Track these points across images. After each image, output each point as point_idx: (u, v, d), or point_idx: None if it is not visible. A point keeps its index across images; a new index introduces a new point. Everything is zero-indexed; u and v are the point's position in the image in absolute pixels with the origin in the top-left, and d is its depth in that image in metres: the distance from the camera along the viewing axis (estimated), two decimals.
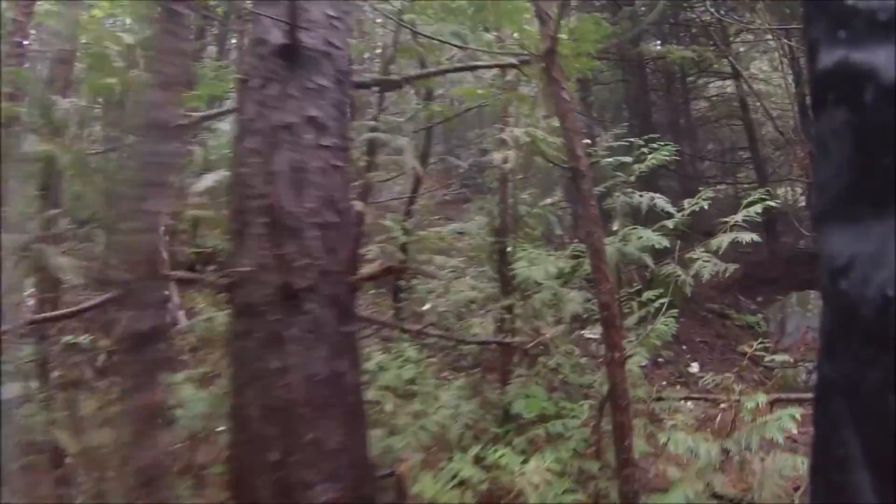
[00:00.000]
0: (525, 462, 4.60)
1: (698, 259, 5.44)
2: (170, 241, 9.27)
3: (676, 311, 7.95)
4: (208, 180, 5.91)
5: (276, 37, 3.71)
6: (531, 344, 5.94)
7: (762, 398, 5.38)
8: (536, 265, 6.98)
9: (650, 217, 6.03)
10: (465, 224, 9.90)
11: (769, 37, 15.43)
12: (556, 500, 4.46)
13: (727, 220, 5.50)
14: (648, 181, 15.64)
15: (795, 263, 15.99)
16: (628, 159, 5.84)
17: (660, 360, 12.36)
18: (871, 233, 0.66)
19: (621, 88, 17.61)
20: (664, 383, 11.70)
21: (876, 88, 0.67)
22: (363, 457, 3.48)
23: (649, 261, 5.51)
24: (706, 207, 5.48)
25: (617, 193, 5.57)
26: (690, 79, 18.56)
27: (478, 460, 4.76)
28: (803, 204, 19.83)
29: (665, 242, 5.36)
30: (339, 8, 3.98)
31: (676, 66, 14.73)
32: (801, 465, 4.97)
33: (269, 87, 3.64)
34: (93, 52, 6.04)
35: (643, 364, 12.31)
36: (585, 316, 10.09)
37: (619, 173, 5.88)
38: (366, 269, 3.69)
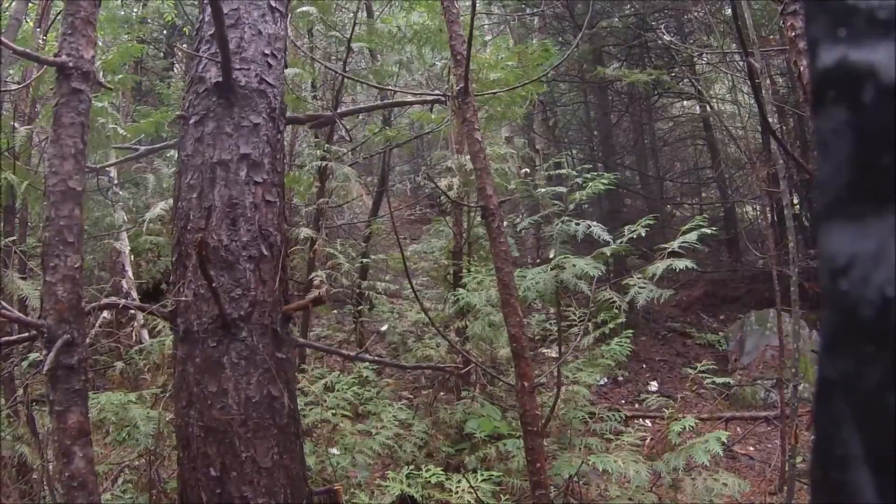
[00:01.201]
0: (462, 481, 4.89)
1: (634, 285, 5.74)
2: (135, 262, 9.56)
3: (632, 331, 8.33)
4: (157, 208, 6.20)
5: (214, 75, 4.04)
6: (464, 370, 6.22)
7: (690, 421, 5.66)
8: (482, 289, 7.30)
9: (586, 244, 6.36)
10: (424, 246, 10.25)
11: (730, 59, 15.95)
12: None
13: (665, 246, 5.84)
14: (611, 200, 16.05)
15: (758, 282, 16.41)
16: (562, 189, 6.12)
17: (619, 378, 12.71)
18: (871, 232, 0.67)
19: (583, 110, 17.93)
20: (623, 402, 12.08)
21: (876, 87, 0.68)
22: (298, 475, 3.78)
23: (586, 287, 5.79)
24: (643, 234, 5.78)
25: (556, 222, 5.84)
26: (654, 99, 18.96)
27: (418, 478, 5.04)
28: (766, 223, 20.38)
29: (601, 270, 5.61)
30: (275, 46, 4.32)
31: (640, 87, 15.11)
32: (736, 485, 5.31)
33: (206, 124, 3.96)
34: None
35: (602, 383, 12.69)
36: (544, 335, 10.48)
37: (557, 202, 6.18)
38: (294, 303, 3.98)
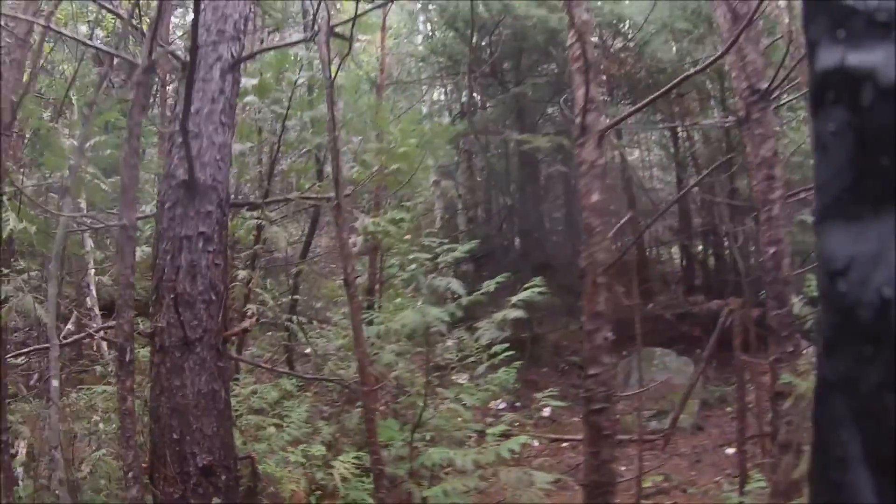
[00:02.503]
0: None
1: (480, 328, 7.99)
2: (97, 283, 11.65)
3: (519, 363, 10.49)
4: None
5: (181, 173, 6.24)
6: (348, 383, 8.34)
7: (522, 438, 7.79)
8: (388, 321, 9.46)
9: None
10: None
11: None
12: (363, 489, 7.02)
13: (510, 298, 8.04)
14: (539, 244, 18.20)
15: (662, 322, 18.65)
16: (427, 255, 8.17)
17: (517, 404, 14.95)
18: (869, 233, 0.70)
19: (502, 161, 19.76)
20: (517, 423, 14.35)
21: (875, 88, 0.71)
22: (229, 443, 5.99)
23: (443, 328, 7.87)
24: (492, 289, 7.95)
25: (423, 278, 7.91)
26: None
27: (311, 458, 7.23)
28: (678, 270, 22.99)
29: (446, 318, 7.44)
30: (224, 153, 6.54)
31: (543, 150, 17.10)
32: (540, 478, 7.44)
33: (176, 209, 6.16)
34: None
35: (501, 406, 14.98)
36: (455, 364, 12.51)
37: (427, 262, 8.27)
38: (231, 330, 6.22)
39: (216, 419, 5.84)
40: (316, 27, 6.09)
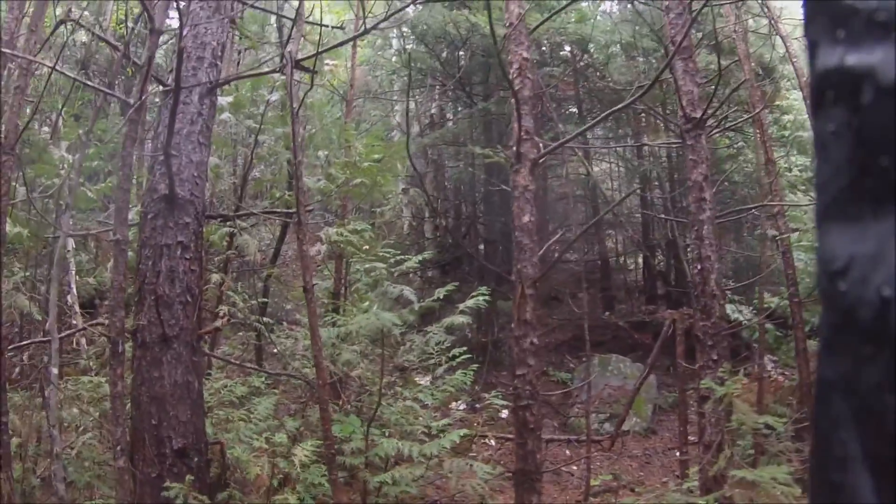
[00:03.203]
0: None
1: (430, 331, 8.87)
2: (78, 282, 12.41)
3: (476, 366, 11.31)
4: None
5: (163, 188, 7.07)
6: (306, 379, 9.17)
7: (454, 436, 8.63)
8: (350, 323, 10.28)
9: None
10: (319, 283, 13.28)
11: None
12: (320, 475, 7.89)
13: (460, 306, 8.92)
14: (502, 252, 19.00)
15: (621, 330, 19.43)
16: (383, 265, 9.04)
17: (477, 405, 15.80)
18: (869, 233, 0.70)
19: (468, 172, 20.40)
20: (478, 423, 15.23)
21: (874, 88, 0.71)
22: (201, 429, 6.84)
23: (396, 331, 8.68)
24: (441, 297, 8.81)
25: (380, 286, 8.77)
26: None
27: (274, 445, 8.07)
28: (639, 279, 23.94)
29: (397, 321, 8.22)
30: (201, 170, 7.38)
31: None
32: (481, 469, 8.29)
33: (157, 219, 6.99)
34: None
35: (462, 408, 15.83)
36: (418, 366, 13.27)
37: (384, 271, 9.12)
38: (204, 329, 7.07)
39: (190, 407, 6.68)
40: (284, 60, 6.91)
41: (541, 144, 7.67)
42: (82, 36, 13.59)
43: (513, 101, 6.99)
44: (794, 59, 14.57)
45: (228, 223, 9.53)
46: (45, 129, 12.14)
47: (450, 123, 20.40)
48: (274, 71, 8.13)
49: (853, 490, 0.70)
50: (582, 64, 19.42)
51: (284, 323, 14.25)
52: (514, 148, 6.76)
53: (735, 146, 19.01)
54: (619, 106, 8.04)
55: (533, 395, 6.60)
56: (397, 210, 19.06)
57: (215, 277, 10.03)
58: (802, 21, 0.87)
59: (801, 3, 0.87)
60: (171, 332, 6.64)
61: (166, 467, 6.46)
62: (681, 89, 9.43)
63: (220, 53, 7.77)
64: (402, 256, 8.75)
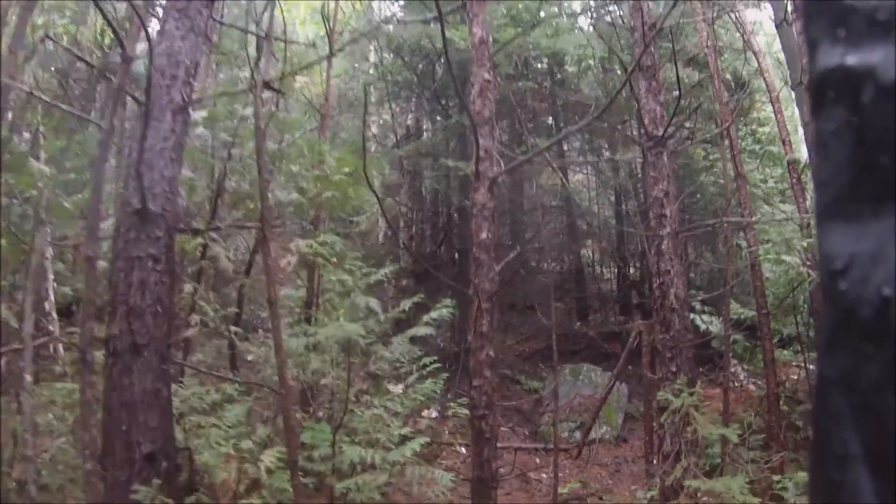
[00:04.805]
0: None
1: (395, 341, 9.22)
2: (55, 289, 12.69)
3: (446, 375, 11.64)
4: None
5: (136, 202, 7.38)
6: (266, 386, 9.49)
7: (416, 444, 8.96)
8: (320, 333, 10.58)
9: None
10: (292, 293, 13.57)
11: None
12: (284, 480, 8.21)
13: (424, 317, 9.25)
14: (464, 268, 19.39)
15: (595, 340, 19.81)
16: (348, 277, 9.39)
17: (447, 413, 16.13)
18: (869, 232, 0.71)
19: (443, 183, 20.60)
20: (446, 431, 15.60)
21: (875, 88, 0.71)
22: (170, 435, 7.16)
23: (362, 342, 9.00)
24: (406, 310, 9.17)
25: (349, 297, 9.11)
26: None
27: (241, 451, 8.39)
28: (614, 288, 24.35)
29: (362, 332, 8.47)
30: (172, 185, 7.69)
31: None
32: (441, 476, 8.60)
33: (130, 232, 7.29)
34: None
35: (434, 416, 16.14)
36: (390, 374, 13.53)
37: (353, 283, 9.49)
38: (173, 338, 7.39)
39: (159, 414, 6.99)
40: (252, 81, 7.26)
41: (506, 160, 8.01)
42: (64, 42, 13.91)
43: (474, 120, 7.33)
44: (766, 74, 14.99)
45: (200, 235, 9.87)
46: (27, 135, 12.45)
47: (426, 135, 20.76)
48: (243, 91, 8.46)
49: (853, 488, 0.71)
50: (559, 77, 19.85)
51: (260, 331, 14.57)
52: (473, 168, 7.11)
53: (710, 158, 19.41)
54: (581, 123, 8.44)
55: (489, 405, 6.93)
56: (372, 221, 19.43)
57: (188, 287, 10.35)
58: (803, 21, 0.90)
59: (803, 2, 0.87)
60: (142, 341, 6.95)
61: (136, 471, 6.75)
62: (643, 108, 9.79)
63: (193, 72, 8.08)
64: (370, 269, 9.08)
